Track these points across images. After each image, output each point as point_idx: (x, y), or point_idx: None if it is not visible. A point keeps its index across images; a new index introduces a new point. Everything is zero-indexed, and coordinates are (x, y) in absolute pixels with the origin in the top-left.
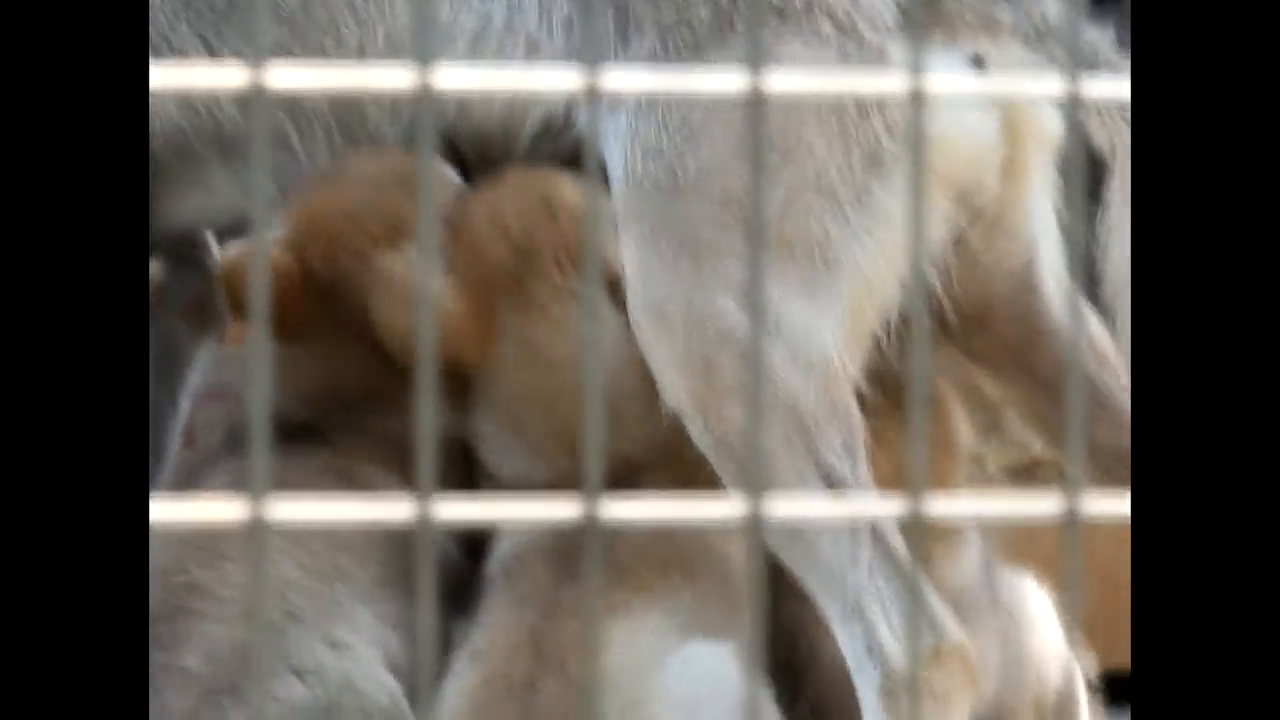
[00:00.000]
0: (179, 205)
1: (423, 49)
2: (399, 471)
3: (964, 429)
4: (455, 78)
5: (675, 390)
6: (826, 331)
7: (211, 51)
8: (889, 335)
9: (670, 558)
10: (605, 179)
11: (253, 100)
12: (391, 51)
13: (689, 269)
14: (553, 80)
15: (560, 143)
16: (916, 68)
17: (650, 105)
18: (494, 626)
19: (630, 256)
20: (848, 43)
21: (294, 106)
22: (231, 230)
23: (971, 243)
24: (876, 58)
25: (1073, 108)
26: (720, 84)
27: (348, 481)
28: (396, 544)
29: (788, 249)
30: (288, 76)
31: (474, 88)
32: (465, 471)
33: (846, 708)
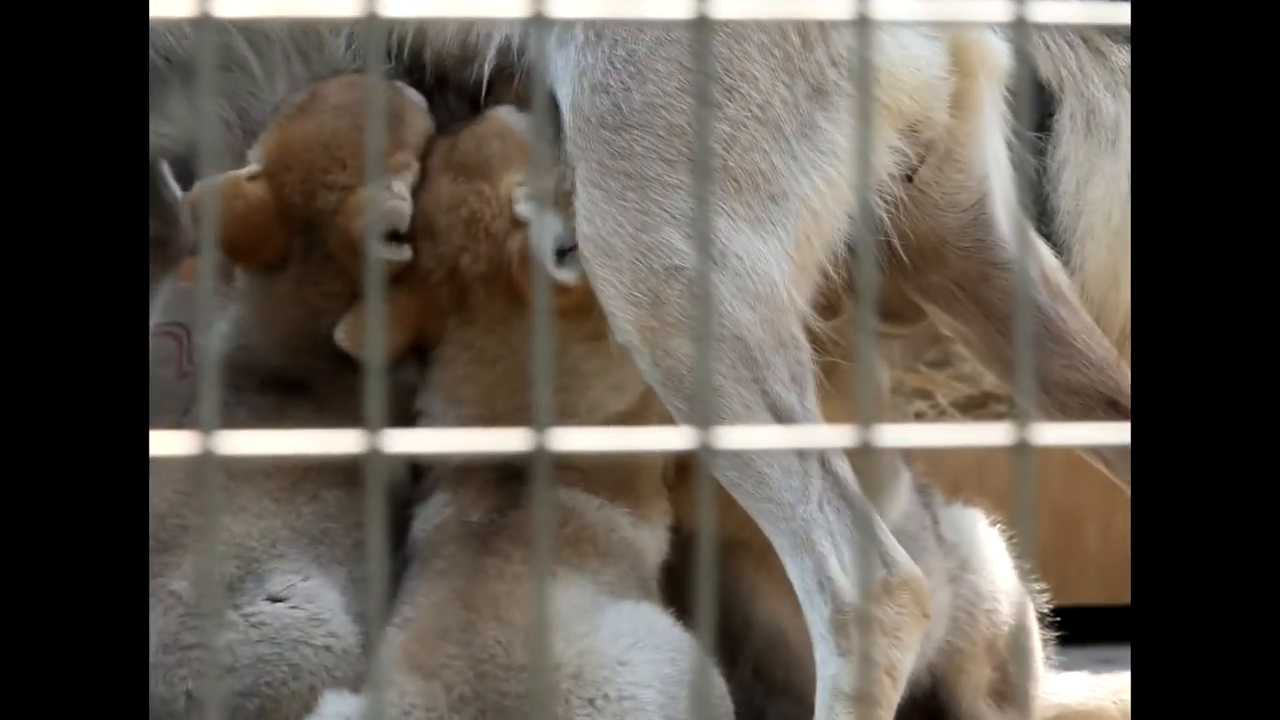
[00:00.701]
0: (154, 130)
1: None
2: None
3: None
4: (401, 4)
5: (624, 324)
6: (773, 264)
7: None
8: (836, 268)
9: (582, 536)
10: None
11: (200, 25)
12: None
13: (635, 203)
14: (499, 6)
15: (513, 70)
16: None
17: (597, 39)
18: (417, 594)
19: (580, 193)
20: None
21: (252, 31)
22: (189, 161)
23: (922, 176)
24: None
25: (1020, 33)
26: (666, 10)
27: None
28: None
29: (733, 182)
30: (235, 4)
31: (420, 13)
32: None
33: (787, 665)
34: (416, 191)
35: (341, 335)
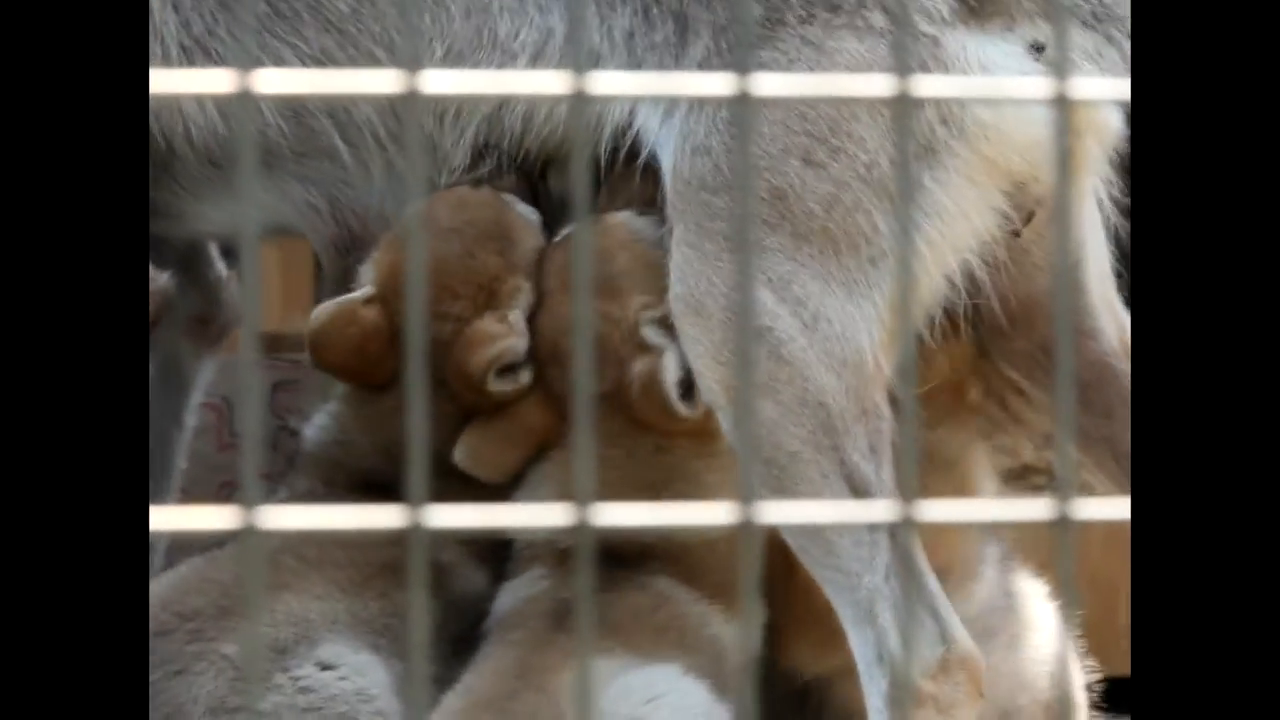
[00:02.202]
0: (215, 212)
1: (409, 52)
2: (467, 541)
3: (986, 480)
4: (442, 81)
5: (710, 384)
6: (864, 330)
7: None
8: (931, 333)
9: (670, 625)
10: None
11: (239, 104)
12: (450, 65)
13: (730, 264)
14: (539, 83)
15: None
16: (902, 71)
17: (700, 106)
18: (484, 663)
19: (675, 254)
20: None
21: (340, 119)
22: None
23: (1025, 235)
24: (930, 50)
25: (1061, 109)
26: (707, 86)
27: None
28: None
29: (831, 244)
30: (275, 80)
31: (461, 91)
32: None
33: None
34: (533, 312)
35: (461, 456)
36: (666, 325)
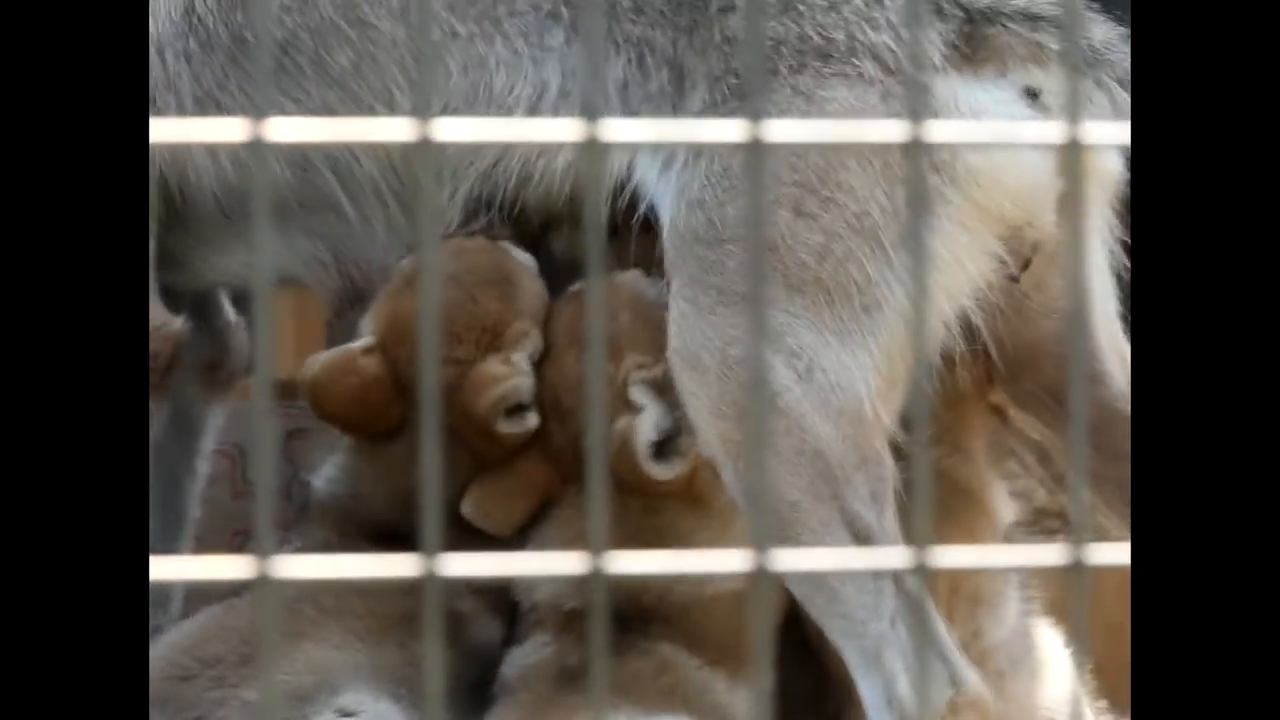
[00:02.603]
0: (225, 261)
1: (421, 101)
2: (475, 588)
3: (1004, 508)
4: (454, 128)
5: (709, 437)
6: (859, 379)
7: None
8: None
9: (675, 690)
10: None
11: (252, 152)
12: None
13: (726, 318)
14: (552, 130)
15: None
16: (915, 116)
17: (695, 159)
18: None
19: (672, 307)
20: (893, 83)
21: (343, 173)
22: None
23: (1024, 280)
24: (921, 98)
25: (1073, 154)
26: (720, 132)
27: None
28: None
29: (824, 294)
30: (288, 129)
31: (472, 138)
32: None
33: None
34: (540, 363)
35: (469, 509)
36: (659, 385)
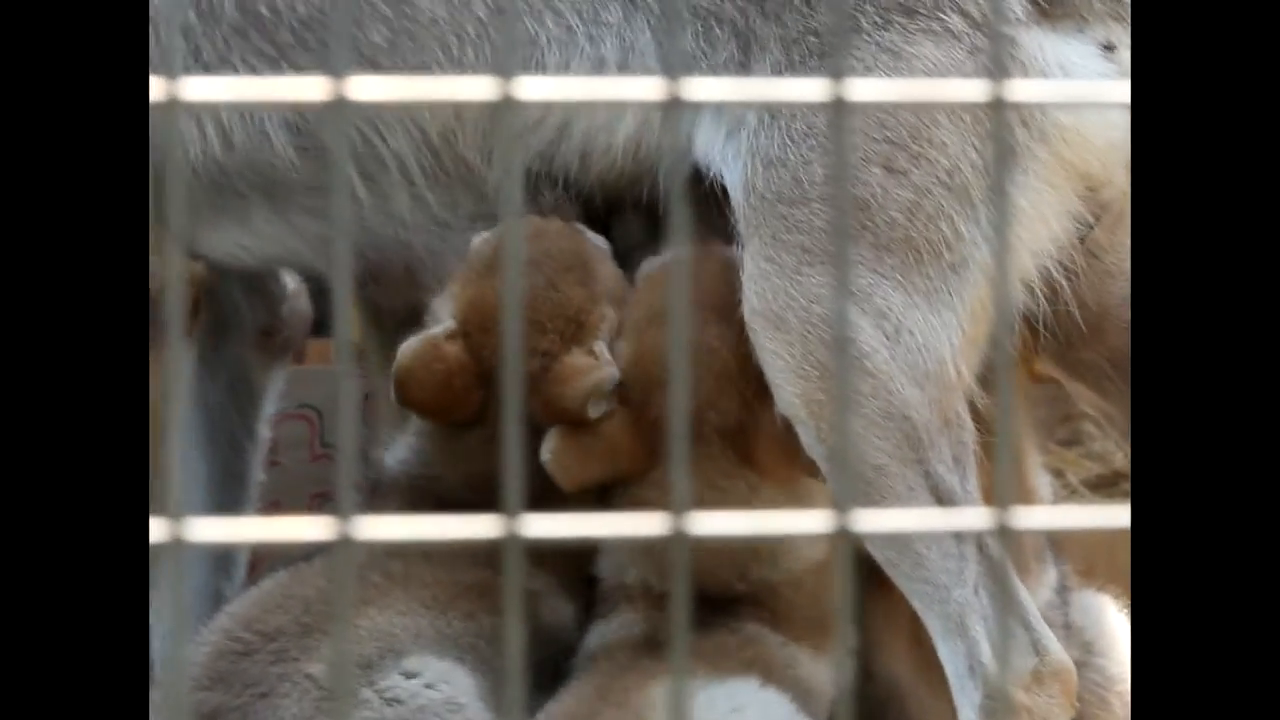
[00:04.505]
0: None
1: (505, 60)
2: (547, 568)
3: (1044, 485)
4: (536, 88)
5: (790, 397)
6: (945, 340)
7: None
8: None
9: (757, 661)
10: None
11: (333, 113)
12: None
13: (811, 276)
14: (634, 90)
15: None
16: (997, 75)
17: (773, 119)
18: (567, 691)
19: (749, 267)
20: (979, 37)
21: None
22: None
23: (1096, 240)
24: (1009, 50)
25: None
26: (802, 92)
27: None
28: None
29: (914, 253)
30: (364, 88)
31: (555, 97)
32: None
33: None
34: (622, 339)
35: (547, 456)
36: None
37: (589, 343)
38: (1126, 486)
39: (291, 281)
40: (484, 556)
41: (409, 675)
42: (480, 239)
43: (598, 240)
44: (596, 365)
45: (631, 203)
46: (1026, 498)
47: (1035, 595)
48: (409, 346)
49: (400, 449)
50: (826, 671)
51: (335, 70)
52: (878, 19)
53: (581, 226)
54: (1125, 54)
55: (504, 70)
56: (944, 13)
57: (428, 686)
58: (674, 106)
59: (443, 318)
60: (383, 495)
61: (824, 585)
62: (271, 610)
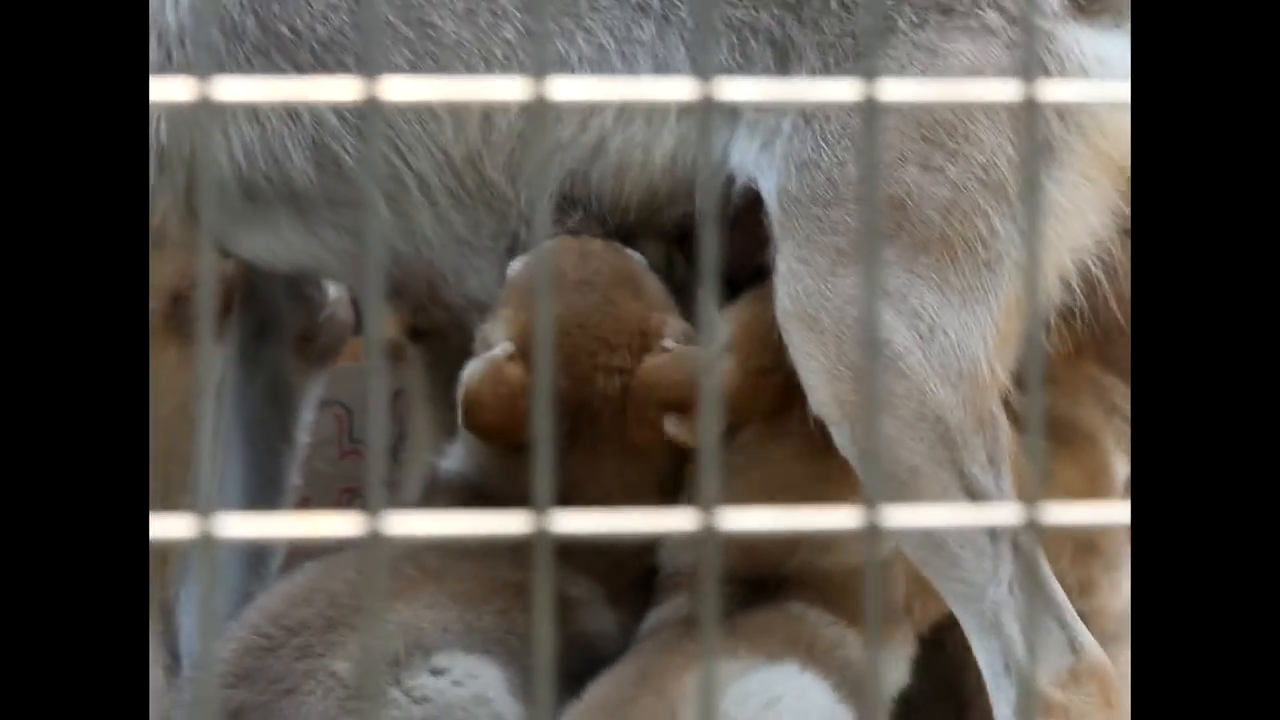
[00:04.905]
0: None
1: (539, 60)
2: (595, 576)
3: (1119, 464)
4: (568, 89)
5: (823, 399)
6: (979, 339)
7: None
8: (1047, 335)
9: (800, 639)
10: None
11: (368, 113)
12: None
13: (845, 277)
14: (668, 91)
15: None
16: (1028, 76)
17: (808, 122)
18: (611, 672)
19: (782, 269)
20: (1016, 32)
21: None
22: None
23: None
24: (1046, 44)
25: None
26: (834, 93)
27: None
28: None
29: (949, 251)
30: (404, 88)
31: (587, 98)
32: None
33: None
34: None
35: (673, 428)
36: None
37: (657, 348)
38: None
39: (334, 289)
40: (527, 558)
41: (436, 672)
42: (519, 262)
43: (636, 256)
44: (674, 353)
45: (654, 231)
46: (1105, 491)
47: (1115, 591)
48: (474, 371)
49: (454, 459)
50: (885, 661)
51: (369, 70)
52: (914, 18)
53: (618, 245)
54: None
55: (538, 71)
56: (981, 9)
57: (455, 684)
58: (707, 109)
59: (496, 342)
60: (438, 492)
61: (887, 577)
62: (297, 604)
